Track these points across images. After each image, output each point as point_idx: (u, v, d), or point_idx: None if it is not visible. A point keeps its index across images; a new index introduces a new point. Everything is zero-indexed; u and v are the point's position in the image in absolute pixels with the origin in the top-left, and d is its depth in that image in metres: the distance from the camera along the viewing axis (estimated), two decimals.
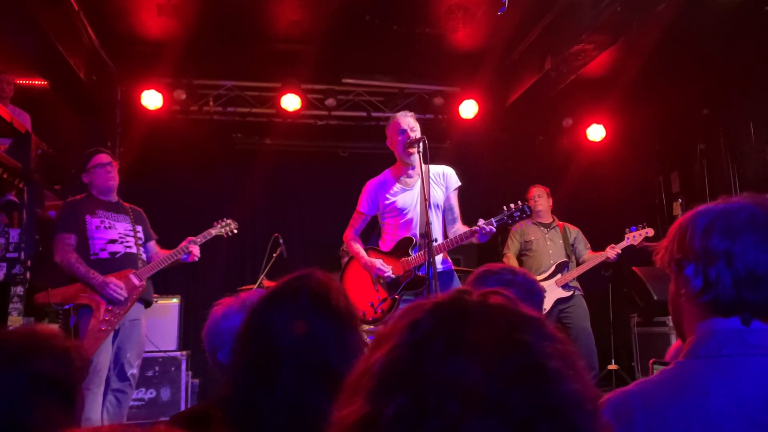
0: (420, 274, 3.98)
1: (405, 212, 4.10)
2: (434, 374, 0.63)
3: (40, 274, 4.83)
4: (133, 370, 4.17)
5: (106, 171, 4.30)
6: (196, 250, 4.36)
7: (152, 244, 4.50)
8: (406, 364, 0.66)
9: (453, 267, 4.22)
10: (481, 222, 3.87)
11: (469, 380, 0.62)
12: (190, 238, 4.40)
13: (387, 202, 4.13)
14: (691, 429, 1.14)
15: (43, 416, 1.04)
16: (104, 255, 4.13)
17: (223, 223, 4.59)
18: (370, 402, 0.65)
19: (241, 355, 1.39)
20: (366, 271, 4.11)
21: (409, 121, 4.05)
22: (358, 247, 4.17)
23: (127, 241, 4.25)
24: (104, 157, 4.35)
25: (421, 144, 3.83)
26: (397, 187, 4.15)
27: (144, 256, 4.34)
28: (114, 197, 4.35)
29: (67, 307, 4.01)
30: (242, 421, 1.30)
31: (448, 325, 0.68)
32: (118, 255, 4.17)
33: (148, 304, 4.34)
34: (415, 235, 4.06)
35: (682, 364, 1.25)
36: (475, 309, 0.69)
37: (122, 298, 4.03)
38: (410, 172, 4.14)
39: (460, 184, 4.21)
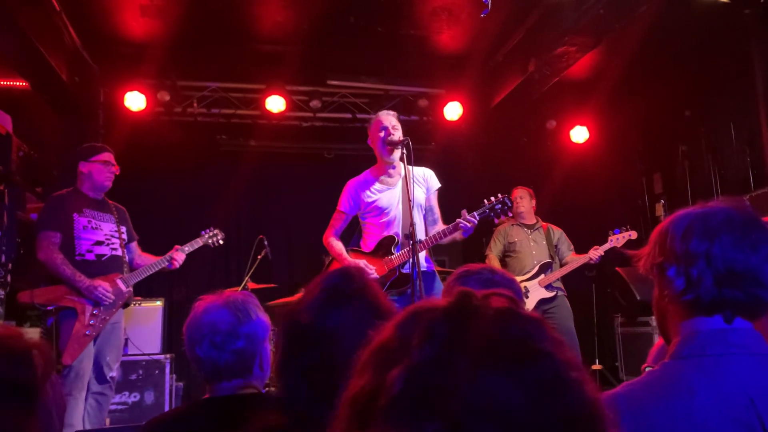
0: (404, 272, 3.99)
1: (387, 211, 4.11)
2: (465, 394, 0.58)
3: (21, 277, 4.79)
4: (112, 373, 4.12)
5: (110, 171, 4.22)
6: (180, 258, 4.32)
7: (134, 245, 4.44)
8: (433, 384, 0.60)
9: (435, 267, 4.23)
10: (464, 214, 3.88)
11: (501, 398, 0.58)
12: (177, 246, 4.36)
13: (368, 200, 4.12)
14: (676, 429, 1.16)
15: (6, 420, 1.02)
16: (90, 257, 4.05)
17: (210, 233, 4.55)
18: (396, 427, 0.59)
19: (299, 361, 1.35)
20: None
21: (391, 120, 4.05)
22: (340, 249, 4.15)
23: (113, 243, 4.19)
24: (112, 157, 4.27)
25: (404, 146, 3.84)
26: (378, 185, 4.14)
27: (127, 257, 4.29)
28: (101, 195, 4.27)
29: (51, 308, 3.90)
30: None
31: (469, 337, 0.63)
32: (104, 258, 4.11)
33: (126, 305, 4.26)
34: (397, 234, 4.06)
35: (667, 365, 1.27)
36: (489, 317, 0.65)
37: (110, 301, 3.98)
38: (391, 171, 4.15)
39: (440, 185, 4.24)
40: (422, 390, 0.60)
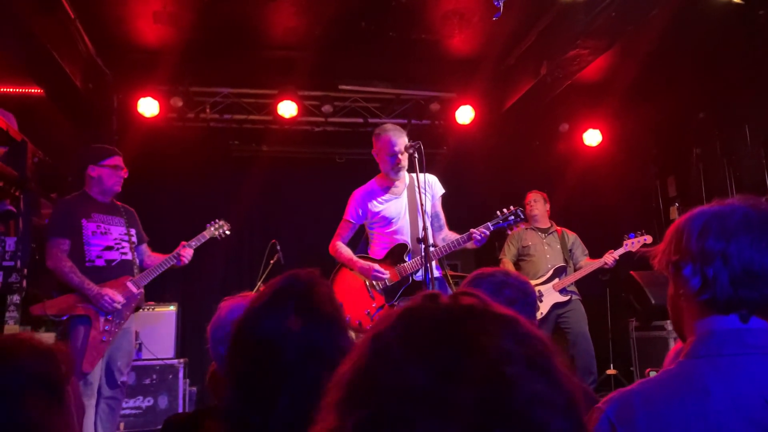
0: (416, 279, 3.99)
1: (393, 221, 4.12)
2: (391, 382, 0.63)
3: (37, 283, 4.82)
4: (123, 378, 4.13)
5: (119, 175, 4.23)
6: (187, 254, 4.29)
7: (144, 246, 4.44)
8: (367, 374, 0.66)
9: (442, 273, 4.22)
10: (478, 228, 3.90)
11: (424, 384, 0.62)
12: (183, 242, 4.36)
13: (375, 210, 4.13)
14: (691, 428, 1.15)
15: (37, 416, 1.06)
16: (100, 262, 4.07)
17: (216, 225, 4.54)
18: (339, 416, 0.65)
19: (236, 368, 1.36)
20: (359, 279, 4.09)
21: (400, 144, 4.02)
22: (349, 254, 4.15)
23: (123, 247, 4.20)
24: (121, 161, 4.27)
25: (415, 150, 3.84)
26: (385, 195, 4.16)
27: (137, 260, 4.30)
28: (109, 199, 4.28)
29: (64, 318, 3.92)
30: None
31: (409, 331, 0.67)
32: (114, 263, 4.12)
33: (137, 308, 4.29)
34: (406, 242, 4.07)
35: (682, 364, 1.26)
36: (439, 314, 0.69)
37: (118, 309, 3.99)
38: (397, 182, 4.16)
39: (444, 191, 4.26)
40: (359, 378, 0.66)
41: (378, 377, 0.65)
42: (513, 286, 2.12)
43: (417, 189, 3.80)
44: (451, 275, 4.30)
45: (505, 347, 0.65)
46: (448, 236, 4.13)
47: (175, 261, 4.28)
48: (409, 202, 4.10)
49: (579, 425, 0.66)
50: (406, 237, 4.09)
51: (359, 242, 4.39)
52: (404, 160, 4.03)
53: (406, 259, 4.03)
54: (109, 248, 4.13)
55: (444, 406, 0.60)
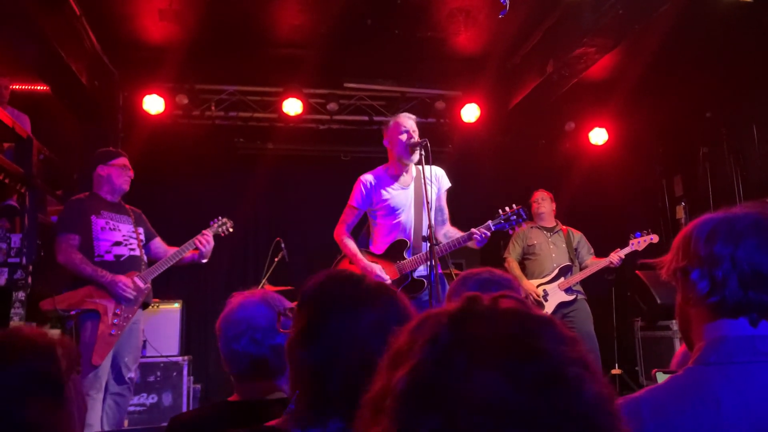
0: (415, 277, 3.97)
1: (398, 212, 4.08)
2: (462, 390, 0.63)
3: (42, 280, 4.83)
4: (131, 374, 4.18)
5: (128, 175, 4.35)
6: (205, 240, 4.34)
7: (157, 241, 4.52)
8: (432, 382, 0.65)
9: (443, 271, 4.19)
10: (479, 228, 3.86)
11: (496, 393, 0.62)
12: (203, 232, 4.43)
13: (381, 198, 4.10)
14: None
15: (36, 412, 1.05)
16: (109, 257, 4.13)
17: (219, 222, 4.59)
18: (398, 423, 0.64)
19: (302, 358, 1.30)
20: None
21: (411, 124, 4.06)
22: (355, 249, 4.12)
23: (131, 244, 4.27)
24: (128, 162, 4.40)
25: (422, 148, 3.83)
26: (393, 185, 4.13)
27: (145, 257, 4.36)
28: (117, 198, 4.37)
29: (74, 312, 3.99)
30: None
31: (469, 337, 0.67)
32: (123, 258, 4.18)
33: (145, 306, 4.35)
34: (408, 237, 4.04)
35: (692, 371, 1.24)
36: (491, 317, 0.69)
37: (132, 296, 4.05)
38: (405, 173, 4.14)
39: (450, 185, 4.22)
40: (423, 387, 0.65)
41: (445, 384, 0.64)
42: (498, 283, 2.17)
43: (423, 183, 3.79)
44: (455, 274, 4.27)
45: (560, 350, 0.66)
46: (449, 232, 4.11)
47: (190, 250, 4.33)
48: (416, 196, 4.09)
49: (625, 424, 0.68)
50: (408, 230, 4.07)
51: (360, 233, 4.37)
52: (416, 137, 4.00)
53: (406, 255, 4.01)
54: (118, 243, 4.21)
55: (520, 413, 0.61)
